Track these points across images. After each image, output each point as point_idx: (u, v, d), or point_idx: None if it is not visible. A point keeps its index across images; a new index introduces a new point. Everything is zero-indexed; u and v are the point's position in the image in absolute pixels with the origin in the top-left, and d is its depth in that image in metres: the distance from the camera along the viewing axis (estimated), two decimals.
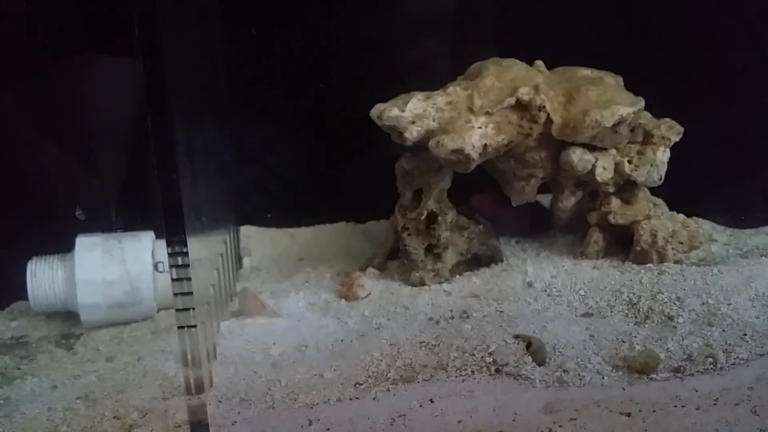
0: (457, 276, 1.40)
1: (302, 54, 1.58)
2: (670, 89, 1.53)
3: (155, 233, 1.42)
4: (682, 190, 1.51)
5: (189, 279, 0.97)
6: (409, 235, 1.39)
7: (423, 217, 1.38)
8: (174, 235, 0.96)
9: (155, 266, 1.39)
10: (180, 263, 0.97)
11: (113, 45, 1.47)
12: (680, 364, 1.10)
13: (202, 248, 1.09)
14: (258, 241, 1.62)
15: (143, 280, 1.37)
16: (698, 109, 1.56)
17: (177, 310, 0.98)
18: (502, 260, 1.43)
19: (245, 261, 1.58)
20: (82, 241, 1.38)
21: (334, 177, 1.65)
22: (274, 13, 1.56)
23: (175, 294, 0.98)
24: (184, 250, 0.96)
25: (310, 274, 1.48)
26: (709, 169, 1.59)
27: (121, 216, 1.47)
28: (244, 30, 1.54)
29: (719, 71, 1.59)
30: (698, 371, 1.09)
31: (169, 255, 0.97)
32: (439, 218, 1.38)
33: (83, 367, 1.26)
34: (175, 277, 0.97)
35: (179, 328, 0.98)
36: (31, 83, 1.48)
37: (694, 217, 1.56)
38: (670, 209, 1.47)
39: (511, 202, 1.43)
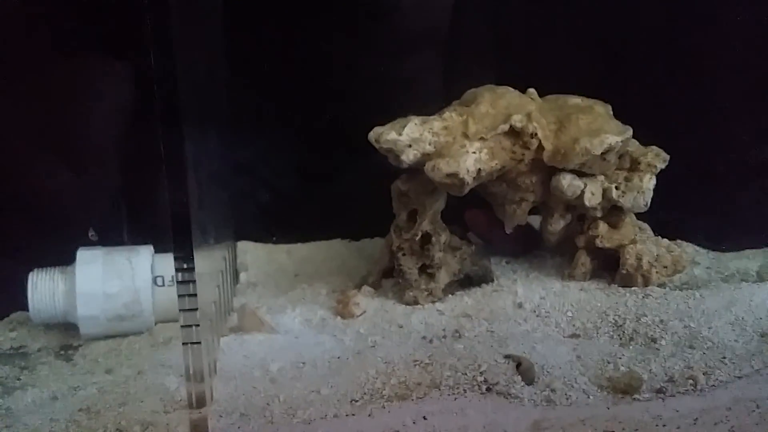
0: (450, 295, 1.44)
1: (302, 72, 1.62)
2: (658, 117, 1.59)
3: (154, 247, 1.45)
4: (668, 213, 1.57)
5: (194, 295, 1.00)
6: (403, 254, 1.44)
7: (417, 238, 1.43)
8: (181, 251, 0.99)
9: (154, 280, 1.41)
10: (185, 279, 1.00)
11: (123, 59, 1.50)
12: (662, 385, 1.14)
13: (205, 264, 1.12)
14: (254, 256, 1.65)
15: (143, 293, 1.40)
16: (685, 136, 1.62)
17: (182, 326, 1.01)
18: (493, 280, 1.47)
19: (242, 276, 1.61)
20: (83, 254, 1.41)
21: (330, 195, 1.69)
22: (275, 31, 1.60)
23: (181, 310, 1.01)
24: (191, 266, 1.00)
25: (306, 290, 1.51)
26: (693, 194, 1.64)
27: (122, 230, 1.50)
28: (244, 47, 1.58)
29: (706, 98, 1.65)
30: (679, 392, 1.13)
31: (176, 270, 1.00)
32: (433, 239, 1.43)
33: (83, 378, 1.28)
34: (180, 293, 1.01)
35: (183, 344, 1.01)
36: (35, 96, 1.51)
37: (678, 241, 1.62)
38: (656, 232, 1.52)
39: (504, 227, 1.47)
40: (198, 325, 1.01)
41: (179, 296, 1.00)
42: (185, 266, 1.00)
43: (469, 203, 1.52)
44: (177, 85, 0.97)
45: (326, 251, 1.69)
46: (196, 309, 1.01)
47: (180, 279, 1.00)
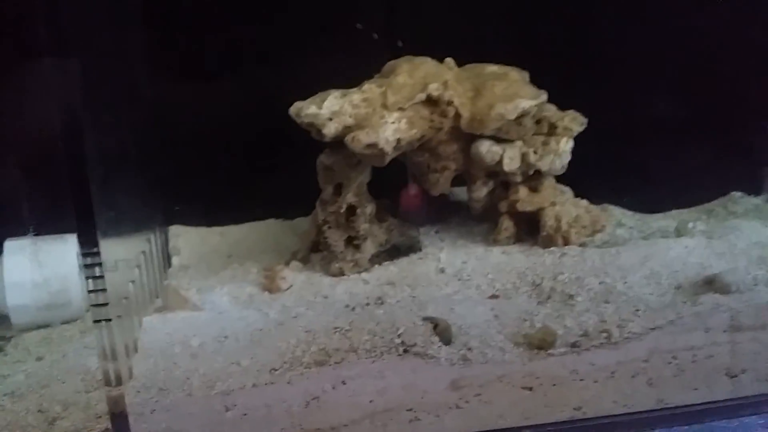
0: (377, 266, 1.46)
1: (225, 52, 1.62)
2: (581, 83, 1.61)
3: None
4: (599, 178, 1.60)
5: (102, 277, 1.01)
6: (329, 228, 1.45)
7: (342, 210, 1.44)
8: (85, 235, 1.00)
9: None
10: (92, 262, 1.01)
11: (24, 44, 1.48)
12: (577, 339, 1.16)
13: (118, 247, 1.13)
14: (187, 240, 1.66)
15: (71, 281, 1.40)
16: (616, 101, 1.65)
17: (92, 305, 1.02)
18: (420, 249, 1.50)
19: (174, 260, 1.61)
20: (10, 245, 1.41)
21: (262, 175, 1.69)
22: (196, 6, 1.59)
23: (89, 291, 1.02)
24: (96, 250, 1.01)
25: (237, 270, 1.52)
26: (620, 158, 1.67)
27: (45, 220, 1.50)
28: (165, 26, 1.57)
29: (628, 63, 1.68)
30: (594, 346, 1.15)
31: (82, 255, 1.01)
32: (358, 211, 1.44)
33: (13, 367, 1.28)
34: (88, 274, 1.02)
35: (95, 322, 1.02)
36: None
37: (605, 204, 1.65)
38: (589, 198, 1.55)
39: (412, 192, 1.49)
40: (107, 304, 1.02)
41: (86, 277, 1.01)
42: (90, 250, 1.01)
43: (396, 178, 1.54)
44: (75, 70, 0.97)
45: (260, 231, 1.70)
46: (104, 289, 1.01)
47: (86, 262, 1.01)
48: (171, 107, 1.59)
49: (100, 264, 1.01)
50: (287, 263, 1.49)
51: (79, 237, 1.00)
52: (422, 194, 1.51)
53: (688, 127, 1.73)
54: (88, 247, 1.01)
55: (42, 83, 1.47)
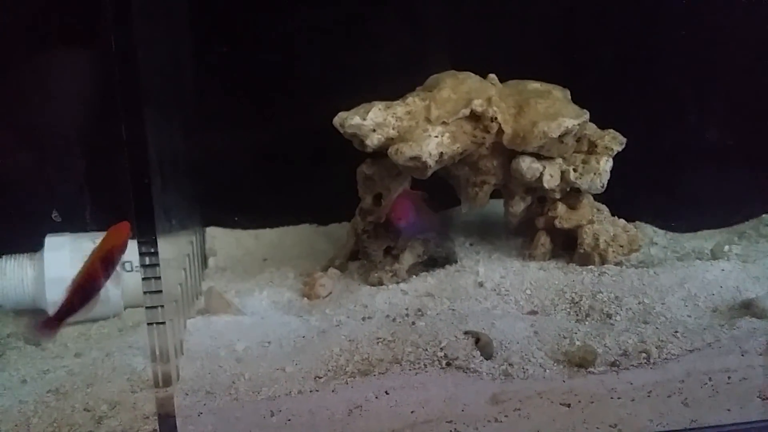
0: (414, 276, 1.47)
1: (267, 59, 1.64)
2: (617, 101, 1.63)
3: None
4: (630, 196, 1.62)
5: (158, 278, 1.03)
6: (368, 237, 1.47)
7: (382, 221, 1.46)
8: (144, 236, 1.02)
9: (122, 265, 1.43)
10: (149, 263, 1.03)
11: (85, 45, 1.51)
12: (616, 358, 1.18)
13: (170, 249, 1.14)
14: (223, 242, 1.68)
15: (110, 278, 1.41)
16: (646, 120, 1.66)
17: (146, 307, 1.04)
18: (456, 261, 1.51)
19: (211, 261, 1.63)
20: (51, 241, 1.42)
21: (298, 180, 1.71)
22: (240, 19, 1.61)
23: (145, 292, 1.03)
24: (154, 251, 1.02)
25: (274, 274, 1.54)
26: (652, 177, 1.69)
27: (90, 216, 1.51)
28: (211, 35, 1.60)
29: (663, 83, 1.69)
30: (633, 365, 1.17)
31: (140, 255, 1.02)
32: None
33: (52, 362, 1.30)
34: (144, 276, 1.03)
35: (148, 324, 1.04)
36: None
37: (637, 222, 1.67)
38: (620, 215, 1.56)
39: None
40: (162, 306, 1.03)
41: (143, 279, 1.03)
42: (149, 251, 1.02)
43: (433, 190, 1.54)
44: (137, 69, 0.99)
45: (294, 236, 1.71)
46: (161, 291, 1.03)
47: (143, 263, 1.02)
48: (211, 112, 1.60)
49: (157, 265, 1.02)
50: (325, 270, 1.51)
51: (139, 238, 1.01)
52: (414, 205, 1.41)
53: (717, 148, 1.74)
54: (147, 247, 1.02)
55: (95, 80, 1.49)
